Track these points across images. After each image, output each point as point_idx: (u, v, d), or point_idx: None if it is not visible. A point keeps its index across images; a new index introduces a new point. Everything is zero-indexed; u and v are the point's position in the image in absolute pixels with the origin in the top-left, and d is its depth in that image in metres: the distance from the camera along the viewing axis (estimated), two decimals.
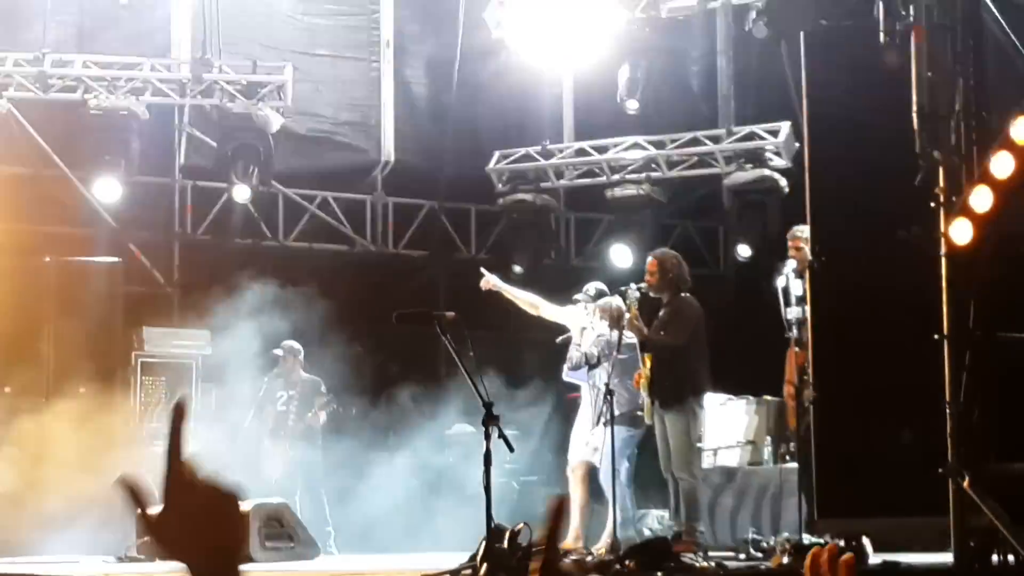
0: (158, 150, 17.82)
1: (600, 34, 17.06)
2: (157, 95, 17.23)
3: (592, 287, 13.67)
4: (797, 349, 12.23)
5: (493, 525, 9.89)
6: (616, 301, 13.20)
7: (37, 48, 16.71)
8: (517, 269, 18.08)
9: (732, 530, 14.00)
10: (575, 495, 13.25)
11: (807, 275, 11.62)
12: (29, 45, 16.81)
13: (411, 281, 19.03)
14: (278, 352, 15.68)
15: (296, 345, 15.69)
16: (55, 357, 15.32)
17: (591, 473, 13.31)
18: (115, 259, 16.34)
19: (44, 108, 17.04)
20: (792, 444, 13.57)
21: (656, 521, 14.64)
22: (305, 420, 15.58)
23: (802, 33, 11.54)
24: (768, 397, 14.69)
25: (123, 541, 13.54)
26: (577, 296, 13.65)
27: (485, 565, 10.19)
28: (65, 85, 16.93)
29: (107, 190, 16.85)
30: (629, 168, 18.15)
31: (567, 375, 13.65)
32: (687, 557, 11.85)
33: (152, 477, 1.99)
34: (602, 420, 12.79)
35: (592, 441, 13.16)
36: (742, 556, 12.63)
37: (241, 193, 17.32)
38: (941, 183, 9.77)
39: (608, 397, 12.62)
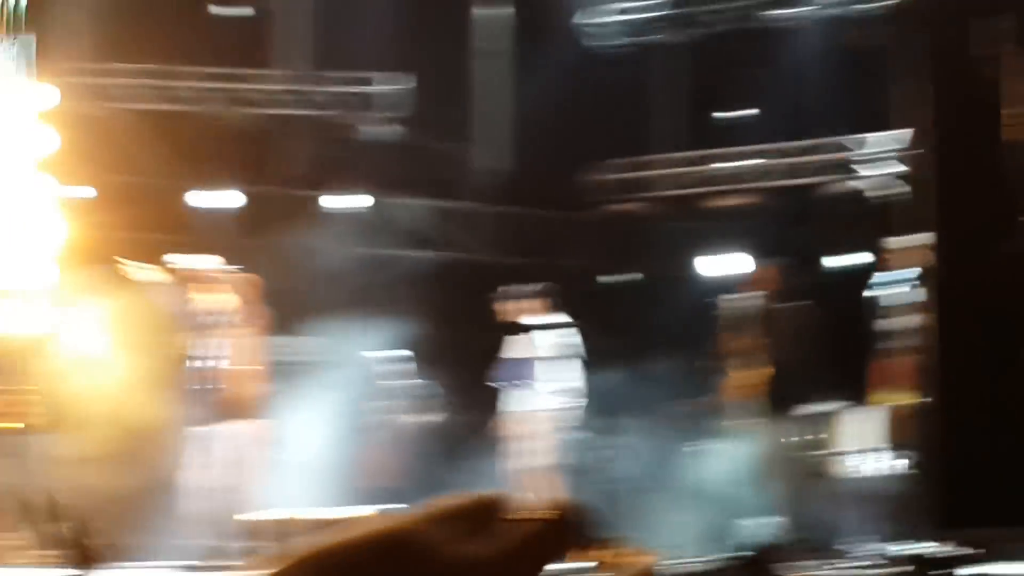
0: None
1: (707, 44, 17.08)
2: None
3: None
4: (905, 358, 12.17)
5: None
6: None
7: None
8: (621, 278, 18.05)
9: (848, 538, 13.89)
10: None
11: (926, 282, 11.57)
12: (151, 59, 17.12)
13: None
14: None
15: None
16: None
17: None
18: None
19: None
20: (907, 453, 13.47)
21: (761, 528, 14.52)
22: None
23: (926, 38, 11.51)
24: (882, 405, 14.58)
25: None
26: None
27: None
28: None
29: None
30: (740, 177, 18.11)
31: None
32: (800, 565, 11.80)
33: None
34: None
35: None
36: (866, 563, 12.54)
37: None
38: None
39: None
